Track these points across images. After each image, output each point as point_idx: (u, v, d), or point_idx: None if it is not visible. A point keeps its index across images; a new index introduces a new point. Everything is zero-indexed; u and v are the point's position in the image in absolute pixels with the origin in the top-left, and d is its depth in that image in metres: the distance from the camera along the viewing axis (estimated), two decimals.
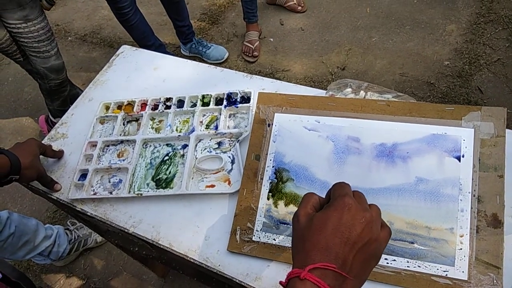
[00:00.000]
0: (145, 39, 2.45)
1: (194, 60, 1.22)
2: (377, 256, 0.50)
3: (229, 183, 0.88)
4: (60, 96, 2.16)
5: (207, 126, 0.98)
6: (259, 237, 0.79)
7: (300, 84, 1.03)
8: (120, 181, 0.94)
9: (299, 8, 2.87)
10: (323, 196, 0.56)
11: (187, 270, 1.25)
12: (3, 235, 1.47)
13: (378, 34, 2.63)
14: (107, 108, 1.08)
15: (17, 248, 1.56)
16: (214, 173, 0.90)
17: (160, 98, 1.05)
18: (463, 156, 0.74)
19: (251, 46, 2.63)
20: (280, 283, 0.48)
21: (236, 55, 2.73)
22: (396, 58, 2.47)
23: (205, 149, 0.94)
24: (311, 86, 1.13)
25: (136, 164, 0.95)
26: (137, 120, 1.04)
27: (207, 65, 1.14)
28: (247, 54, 2.65)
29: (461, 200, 0.71)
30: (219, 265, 0.79)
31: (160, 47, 2.54)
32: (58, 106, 2.21)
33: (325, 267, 0.45)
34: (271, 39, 2.77)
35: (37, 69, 1.95)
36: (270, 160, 0.85)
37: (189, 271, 1.25)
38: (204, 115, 1.01)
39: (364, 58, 2.51)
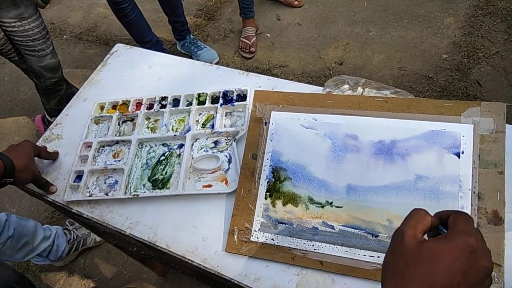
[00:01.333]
0: (143, 35, 2.44)
1: (190, 58, 1.20)
2: None
3: (226, 183, 0.87)
4: (56, 95, 2.14)
5: (203, 125, 0.97)
6: (257, 237, 0.78)
7: (298, 80, 1.02)
8: (116, 182, 0.93)
9: (296, 2, 2.85)
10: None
11: (186, 270, 1.24)
12: (2, 238, 1.46)
13: (376, 28, 2.61)
14: (102, 108, 1.06)
15: (16, 250, 1.55)
16: (211, 173, 0.89)
17: (155, 97, 1.03)
18: (462, 153, 0.73)
19: (248, 42, 2.61)
20: None
21: (233, 51, 2.71)
22: (394, 52, 2.45)
23: (201, 149, 0.93)
24: (309, 82, 1.12)
25: (132, 165, 0.94)
26: (132, 120, 1.03)
27: (202, 62, 1.13)
28: (244, 50, 2.63)
29: (461, 197, 0.71)
30: (217, 266, 0.78)
31: (157, 44, 2.52)
32: (54, 105, 2.19)
33: None
34: (268, 35, 2.75)
35: (33, 68, 1.93)
36: (267, 159, 0.83)
37: (188, 271, 1.24)
38: (200, 114, 0.99)
39: (362, 53, 2.49)
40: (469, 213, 0.69)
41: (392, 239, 0.48)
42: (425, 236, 0.47)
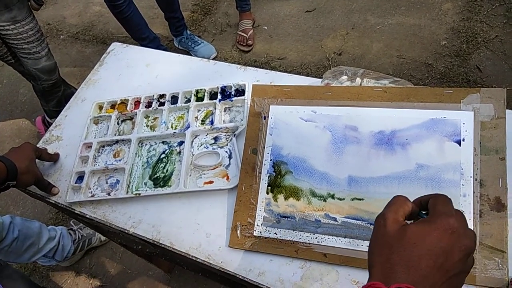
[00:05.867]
0: (140, 32, 2.43)
1: (188, 54, 1.20)
2: None
3: (227, 179, 0.87)
4: (54, 96, 2.14)
5: (203, 122, 0.97)
6: (260, 232, 0.78)
7: (297, 72, 1.01)
8: (118, 181, 0.93)
9: None
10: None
11: (191, 266, 1.24)
12: (7, 240, 1.47)
13: (374, 16, 2.59)
14: (101, 108, 1.06)
15: (22, 252, 1.56)
16: (212, 169, 0.89)
17: (153, 95, 1.03)
18: (463, 140, 0.72)
19: (245, 35, 2.59)
20: None
21: (230, 45, 2.69)
22: (393, 40, 2.43)
23: (201, 145, 0.93)
24: (308, 73, 1.11)
25: (132, 164, 0.94)
26: (131, 118, 1.03)
27: (200, 58, 1.12)
28: (242, 43, 2.61)
29: (463, 184, 0.70)
30: (222, 262, 0.78)
31: (154, 40, 2.51)
32: (53, 107, 2.19)
33: None
34: (265, 27, 2.73)
35: (29, 70, 1.93)
36: (268, 153, 0.83)
37: (193, 267, 1.24)
38: (199, 110, 0.99)
39: (361, 42, 2.48)
40: (472, 200, 0.69)
41: (375, 225, 0.49)
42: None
